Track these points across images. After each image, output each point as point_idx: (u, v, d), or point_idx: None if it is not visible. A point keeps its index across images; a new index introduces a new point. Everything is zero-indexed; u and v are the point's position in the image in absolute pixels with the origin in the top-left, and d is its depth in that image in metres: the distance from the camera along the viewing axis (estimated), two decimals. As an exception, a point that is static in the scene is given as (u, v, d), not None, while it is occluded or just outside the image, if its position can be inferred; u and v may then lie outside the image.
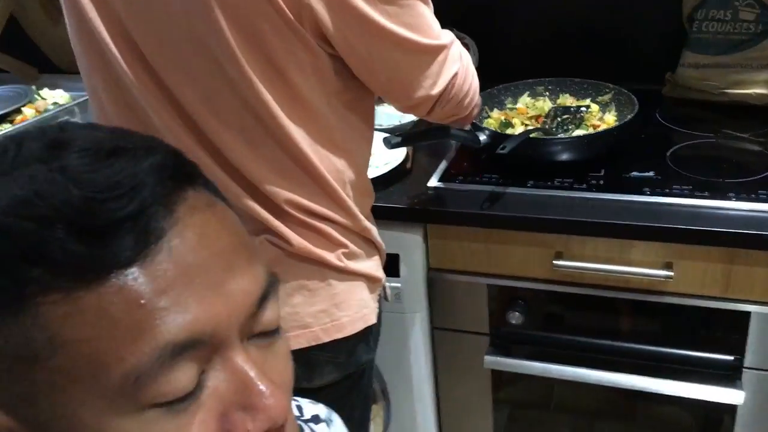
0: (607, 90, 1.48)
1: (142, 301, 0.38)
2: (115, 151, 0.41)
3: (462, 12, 1.78)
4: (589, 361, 1.32)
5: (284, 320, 1.06)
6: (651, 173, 1.30)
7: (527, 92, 1.55)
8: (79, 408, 0.39)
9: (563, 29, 1.73)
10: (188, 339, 0.39)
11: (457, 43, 1.07)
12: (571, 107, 1.47)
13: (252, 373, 0.42)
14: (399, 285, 1.37)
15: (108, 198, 0.38)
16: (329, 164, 1.01)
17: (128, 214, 0.39)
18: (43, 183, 0.38)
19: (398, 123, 1.61)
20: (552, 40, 1.74)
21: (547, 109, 1.48)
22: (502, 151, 1.21)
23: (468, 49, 1.72)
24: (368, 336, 1.12)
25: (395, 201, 1.32)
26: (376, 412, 1.52)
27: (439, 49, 1.01)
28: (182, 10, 0.89)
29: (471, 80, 1.09)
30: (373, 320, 1.10)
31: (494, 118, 1.48)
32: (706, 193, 1.22)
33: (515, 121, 1.46)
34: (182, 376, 0.39)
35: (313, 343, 1.06)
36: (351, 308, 1.07)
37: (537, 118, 1.47)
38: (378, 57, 0.97)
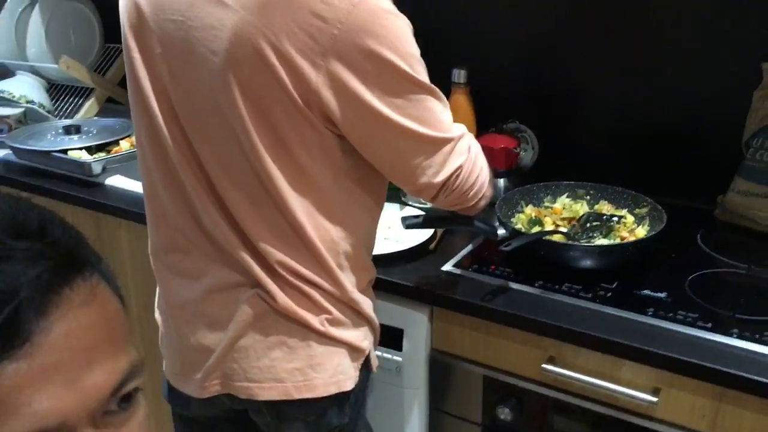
0: (645, 204, 1.47)
1: (2, 398, 0.45)
2: (5, 259, 0.46)
3: (530, 107, 1.83)
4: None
5: (261, 371, 1.15)
6: (663, 294, 1.28)
7: (567, 193, 1.57)
8: None
9: (627, 136, 1.74)
10: (38, 430, 0.46)
11: (468, 136, 1.13)
12: (604, 215, 1.47)
13: None
14: (400, 359, 1.42)
15: None
16: (324, 234, 1.09)
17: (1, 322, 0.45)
18: None
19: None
20: (615, 145, 1.75)
21: (581, 213, 1.50)
22: (505, 248, 1.25)
23: (527, 142, 1.77)
24: (343, 402, 1.17)
25: (407, 279, 1.37)
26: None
27: (445, 141, 1.07)
28: (209, 85, 1.02)
29: (478, 174, 1.14)
30: (347, 387, 1.15)
31: (526, 214, 1.51)
32: (710, 325, 1.19)
33: (546, 219, 1.48)
34: None
35: (284, 398, 1.13)
36: (326, 372, 1.13)
37: (570, 220, 1.49)
38: (383, 144, 1.05)
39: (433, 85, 1.05)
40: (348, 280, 1.13)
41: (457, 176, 1.10)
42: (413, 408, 1.45)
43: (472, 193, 1.14)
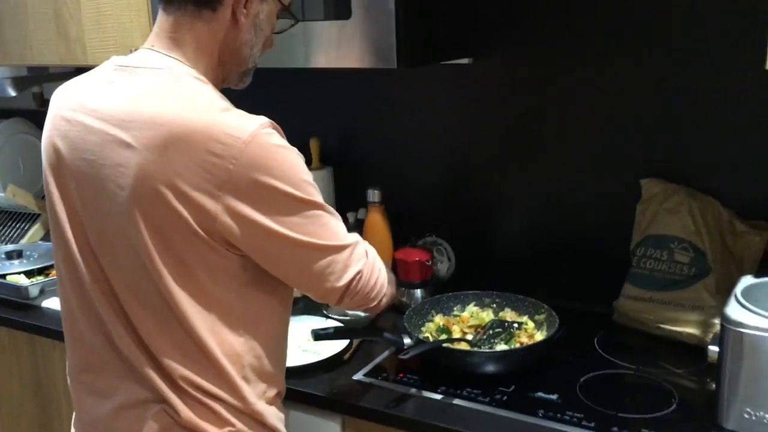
0: (543, 310, 1.59)
1: None
2: None
3: (445, 220, 1.97)
4: None
5: None
6: (554, 396, 1.37)
7: (474, 302, 1.68)
8: None
9: (535, 245, 1.87)
10: None
11: (363, 243, 1.23)
12: (506, 322, 1.58)
13: None
14: (315, 471, 1.47)
15: None
16: (228, 348, 1.16)
17: None
18: None
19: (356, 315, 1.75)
20: (526, 255, 1.88)
21: (487, 320, 1.60)
22: (403, 357, 1.34)
23: (443, 254, 1.90)
24: None
25: (320, 389, 1.45)
26: None
27: (342, 248, 1.17)
28: (117, 216, 1.12)
29: (377, 275, 1.24)
30: None
31: (435, 323, 1.61)
32: (593, 424, 1.27)
33: (455, 327, 1.58)
34: None
35: None
36: None
37: (476, 327, 1.59)
38: (286, 259, 1.16)
39: (324, 203, 1.17)
40: (253, 393, 1.20)
41: (359, 279, 1.20)
42: None
43: (374, 293, 1.24)
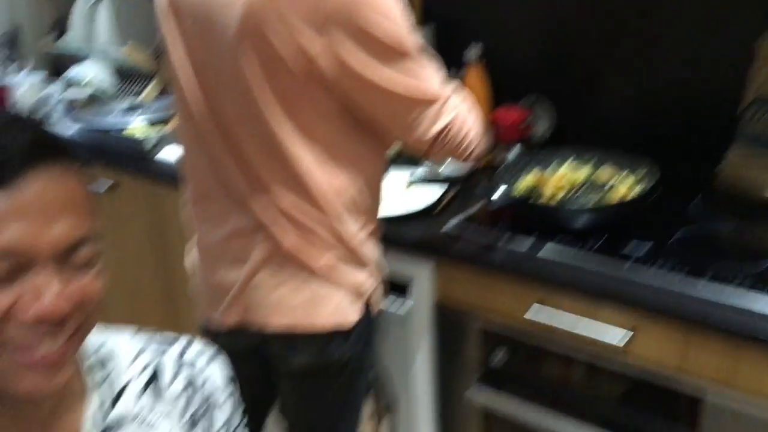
0: (643, 166, 1.55)
1: None
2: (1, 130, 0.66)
3: (547, 79, 1.92)
4: (562, 411, 1.40)
5: (270, 306, 1.30)
6: (647, 247, 1.36)
7: (572, 158, 1.65)
8: None
9: (638, 103, 1.81)
10: (5, 250, 0.63)
11: (457, 94, 1.24)
12: (600, 184, 1.56)
13: (43, 284, 0.65)
14: (407, 309, 1.55)
15: None
16: (329, 181, 1.23)
17: None
18: None
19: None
20: (627, 113, 1.82)
21: (583, 178, 1.59)
22: (493, 207, 1.37)
23: (541, 114, 1.87)
24: (345, 338, 1.30)
25: (414, 236, 1.51)
26: (381, 429, 1.69)
27: (432, 101, 1.20)
28: (226, 52, 1.18)
29: (467, 129, 1.25)
30: (346, 326, 1.29)
31: (529, 178, 1.61)
32: (686, 270, 1.27)
33: (549, 184, 1.58)
34: None
35: (290, 330, 1.28)
36: (326, 309, 1.27)
37: (571, 184, 1.58)
38: (377, 106, 1.19)
39: (421, 54, 1.18)
40: (351, 227, 1.27)
41: (448, 132, 1.22)
42: (419, 354, 1.58)
43: (463, 146, 1.26)
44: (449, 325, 1.53)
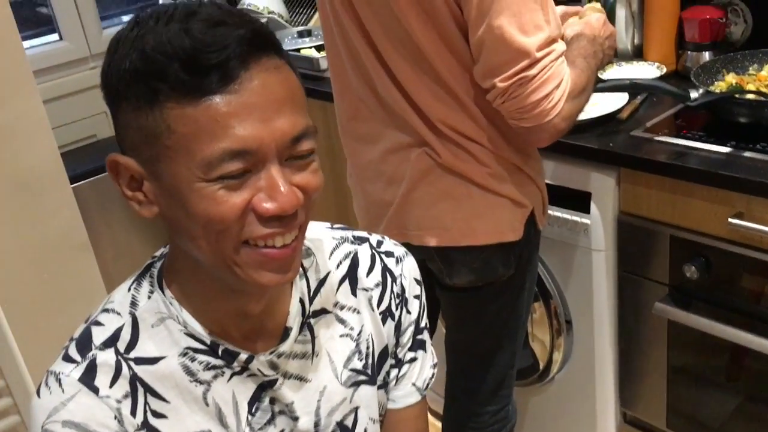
0: None
1: (218, 119, 0.64)
2: (221, 23, 0.66)
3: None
4: (763, 330, 1.31)
5: (430, 221, 1.30)
6: None
7: (775, 60, 1.50)
8: (178, 170, 0.67)
9: None
10: (240, 149, 0.65)
11: (553, 56, 1.09)
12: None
13: (277, 177, 0.67)
14: (588, 222, 1.49)
15: (206, 50, 0.63)
16: (476, 94, 1.17)
17: (216, 63, 0.64)
18: (174, 36, 0.65)
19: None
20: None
21: (790, 78, 1.44)
22: (690, 104, 1.26)
23: (738, 15, 1.71)
24: (507, 253, 1.27)
25: (595, 143, 1.44)
26: (559, 342, 1.66)
27: (525, 52, 1.06)
28: None
29: (545, 92, 1.09)
30: (509, 239, 1.25)
31: (726, 81, 1.48)
32: None
33: (749, 87, 1.44)
34: (233, 167, 0.65)
35: (450, 244, 1.26)
36: (488, 222, 1.24)
37: (776, 85, 1.43)
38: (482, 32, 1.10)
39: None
40: (505, 138, 1.21)
41: (519, 84, 1.08)
42: (601, 269, 1.52)
43: (538, 110, 1.09)
44: (634, 237, 1.46)
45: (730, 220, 1.27)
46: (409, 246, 0.99)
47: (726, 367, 1.47)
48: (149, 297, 0.77)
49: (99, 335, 0.75)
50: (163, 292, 0.77)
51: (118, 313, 0.77)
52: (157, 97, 0.65)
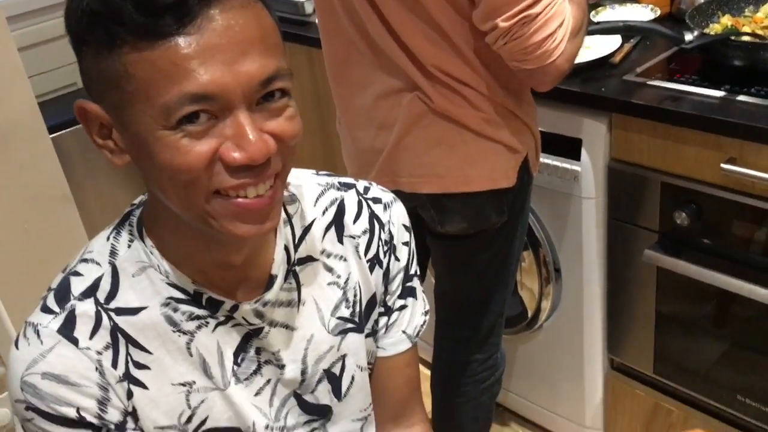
0: None
1: (177, 62, 0.60)
2: None
3: None
4: (752, 276, 1.30)
5: (423, 167, 1.28)
6: None
7: (771, 0, 1.46)
8: (140, 117, 0.63)
9: None
10: (201, 93, 0.61)
11: (559, 7, 1.06)
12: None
13: (245, 124, 0.63)
14: (579, 169, 1.47)
15: None
16: (470, 38, 1.14)
17: (172, 2, 0.59)
18: None
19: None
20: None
21: (785, 21, 1.40)
22: (685, 46, 1.23)
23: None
24: (500, 200, 1.25)
25: (586, 88, 1.41)
26: (548, 290, 1.66)
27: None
28: None
29: (549, 31, 1.06)
30: (503, 185, 1.23)
31: (722, 23, 1.44)
32: None
33: (744, 28, 1.41)
34: (193, 111, 0.61)
35: (443, 191, 1.24)
36: (482, 168, 1.22)
37: (772, 27, 1.40)
38: None
39: None
40: (500, 83, 1.18)
41: (520, 25, 1.05)
42: (590, 217, 1.51)
43: (541, 50, 1.06)
44: (625, 184, 1.44)
45: (722, 165, 1.25)
46: (400, 194, 0.98)
47: (713, 314, 1.47)
48: (129, 246, 0.75)
49: (78, 285, 0.73)
50: (143, 241, 0.74)
51: (97, 263, 0.74)
52: (114, 41, 0.61)
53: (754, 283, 1.30)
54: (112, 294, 0.73)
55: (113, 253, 0.75)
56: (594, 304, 1.60)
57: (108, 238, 0.76)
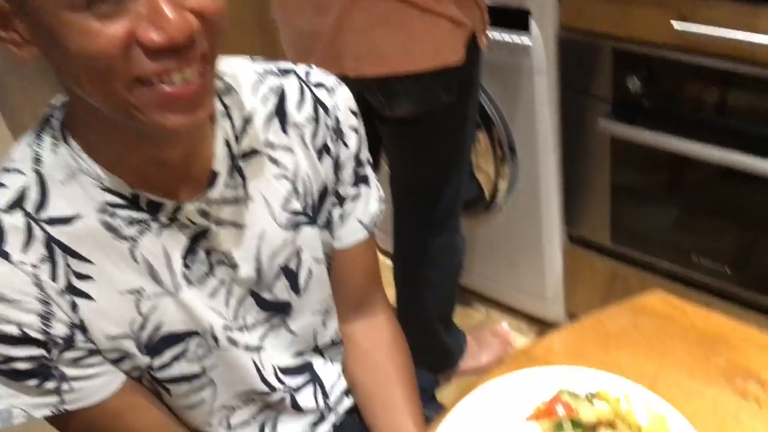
0: None
1: None
2: None
3: None
4: (706, 137, 1.30)
5: (366, 49, 1.20)
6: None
7: None
8: (42, 2, 0.56)
9: None
10: None
11: None
12: None
13: (161, 1, 0.57)
14: (528, 42, 1.42)
15: None
16: None
17: None
18: None
19: None
20: None
21: None
22: None
23: None
24: (449, 78, 1.21)
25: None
26: (504, 170, 1.64)
27: None
28: None
29: None
30: (450, 61, 1.18)
31: None
32: None
33: None
34: None
35: (389, 72, 1.18)
36: (427, 45, 1.16)
37: None
38: None
39: None
40: None
41: None
42: (543, 91, 1.47)
43: None
44: (576, 53, 1.40)
45: (673, 23, 1.21)
46: (345, 79, 0.93)
47: (667, 181, 1.47)
48: (53, 151, 0.69)
49: (2, 197, 0.67)
50: (68, 145, 0.68)
51: (21, 172, 0.68)
52: None
53: (707, 143, 1.29)
54: (41, 204, 0.68)
55: (37, 160, 0.69)
56: (550, 180, 1.59)
57: (29, 145, 0.70)
